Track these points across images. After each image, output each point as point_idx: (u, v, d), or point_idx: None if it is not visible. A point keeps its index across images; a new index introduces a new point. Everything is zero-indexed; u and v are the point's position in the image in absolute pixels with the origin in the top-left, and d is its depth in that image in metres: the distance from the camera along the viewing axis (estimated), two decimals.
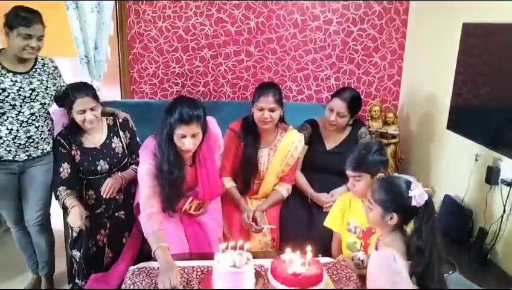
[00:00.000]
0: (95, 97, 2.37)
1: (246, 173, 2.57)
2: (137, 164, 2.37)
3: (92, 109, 2.33)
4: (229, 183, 2.59)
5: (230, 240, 1.86)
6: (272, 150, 2.59)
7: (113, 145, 2.47)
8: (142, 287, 1.81)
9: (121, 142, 2.50)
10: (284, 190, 2.62)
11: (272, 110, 2.45)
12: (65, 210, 2.39)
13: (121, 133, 2.51)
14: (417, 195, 1.59)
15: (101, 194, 2.35)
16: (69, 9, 3.07)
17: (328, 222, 2.24)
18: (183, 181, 2.15)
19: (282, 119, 2.59)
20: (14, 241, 2.68)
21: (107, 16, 3.21)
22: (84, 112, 2.32)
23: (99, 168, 2.42)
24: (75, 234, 2.30)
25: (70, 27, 3.13)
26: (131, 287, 1.81)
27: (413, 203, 1.59)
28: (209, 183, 2.25)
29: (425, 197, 1.61)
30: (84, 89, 2.38)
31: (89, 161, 2.41)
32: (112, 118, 2.54)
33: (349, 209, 2.17)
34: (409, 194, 1.60)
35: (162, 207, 2.15)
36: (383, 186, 1.69)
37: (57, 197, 2.38)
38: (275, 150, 2.58)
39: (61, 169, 2.38)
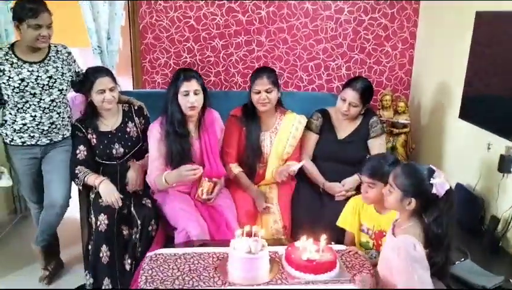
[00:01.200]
0: (114, 79, 2.46)
1: (250, 157, 2.62)
2: None
3: (111, 90, 2.41)
4: (236, 169, 2.63)
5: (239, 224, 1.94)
6: (273, 133, 2.65)
7: (128, 129, 2.53)
8: (160, 273, 1.85)
9: (136, 127, 2.56)
10: (295, 165, 2.62)
11: (267, 91, 2.52)
12: (84, 187, 2.42)
13: (136, 118, 2.57)
14: (438, 183, 1.61)
15: (128, 189, 2.45)
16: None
17: (341, 222, 2.27)
18: (188, 141, 2.40)
19: (280, 104, 2.66)
20: (29, 230, 2.71)
21: (119, 7, 3.23)
22: (103, 91, 2.39)
23: (114, 151, 2.48)
24: (104, 227, 2.28)
25: (83, 18, 3.15)
26: (149, 272, 1.85)
27: (434, 190, 1.61)
28: (212, 152, 2.47)
29: (447, 187, 1.63)
30: (104, 70, 2.48)
31: (104, 145, 2.47)
32: (127, 104, 2.62)
33: (362, 210, 2.20)
34: (431, 181, 1.62)
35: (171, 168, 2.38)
36: (406, 171, 1.71)
37: (75, 176, 2.42)
38: (275, 133, 2.64)
39: (77, 151, 2.45)
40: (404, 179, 1.69)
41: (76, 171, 2.42)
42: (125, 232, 2.34)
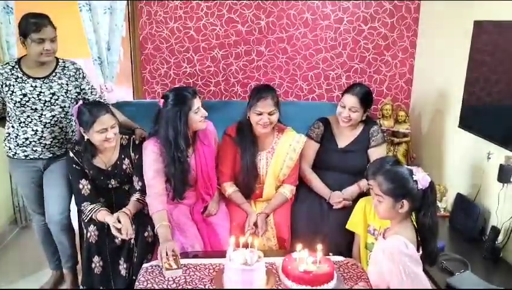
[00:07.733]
0: (113, 114, 2.32)
1: (246, 178, 2.55)
2: (141, 192, 2.40)
3: (112, 127, 2.27)
4: (230, 188, 2.57)
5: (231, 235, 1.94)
6: (269, 153, 2.57)
7: (124, 166, 2.43)
8: (155, 284, 1.84)
9: (132, 163, 2.44)
10: (287, 191, 2.59)
11: (270, 113, 2.43)
12: (90, 221, 2.32)
13: (132, 154, 2.43)
14: (421, 178, 1.69)
15: (123, 237, 2.25)
16: (82, 11, 3.12)
17: (350, 225, 2.25)
18: (186, 165, 2.34)
19: (278, 120, 2.55)
20: (29, 240, 2.70)
21: (119, 18, 3.25)
22: (105, 130, 2.24)
23: (110, 186, 2.44)
24: (95, 238, 2.26)
25: (83, 28, 3.18)
26: (145, 284, 1.84)
27: (420, 186, 1.69)
28: (207, 166, 2.45)
29: (429, 179, 1.71)
30: (103, 106, 2.32)
31: (101, 180, 2.40)
32: (126, 137, 2.46)
33: (369, 211, 2.20)
34: (414, 178, 1.69)
35: (171, 195, 2.39)
36: (389, 177, 1.74)
37: (81, 212, 2.36)
38: (272, 153, 2.56)
39: (80, 186, 2.35)
40: (390, 185, 1.72)
41: (82, 208, 2.34)
42: (117, 239, 2.27)
